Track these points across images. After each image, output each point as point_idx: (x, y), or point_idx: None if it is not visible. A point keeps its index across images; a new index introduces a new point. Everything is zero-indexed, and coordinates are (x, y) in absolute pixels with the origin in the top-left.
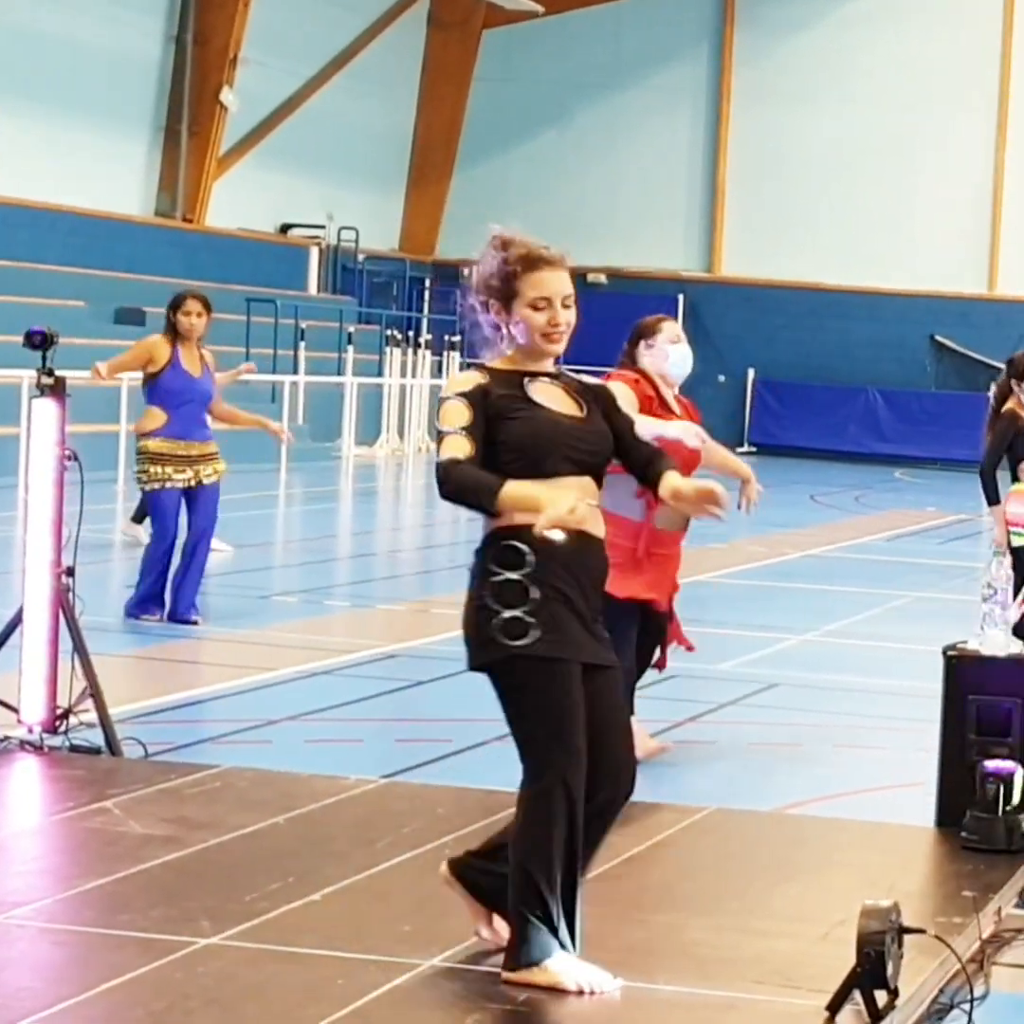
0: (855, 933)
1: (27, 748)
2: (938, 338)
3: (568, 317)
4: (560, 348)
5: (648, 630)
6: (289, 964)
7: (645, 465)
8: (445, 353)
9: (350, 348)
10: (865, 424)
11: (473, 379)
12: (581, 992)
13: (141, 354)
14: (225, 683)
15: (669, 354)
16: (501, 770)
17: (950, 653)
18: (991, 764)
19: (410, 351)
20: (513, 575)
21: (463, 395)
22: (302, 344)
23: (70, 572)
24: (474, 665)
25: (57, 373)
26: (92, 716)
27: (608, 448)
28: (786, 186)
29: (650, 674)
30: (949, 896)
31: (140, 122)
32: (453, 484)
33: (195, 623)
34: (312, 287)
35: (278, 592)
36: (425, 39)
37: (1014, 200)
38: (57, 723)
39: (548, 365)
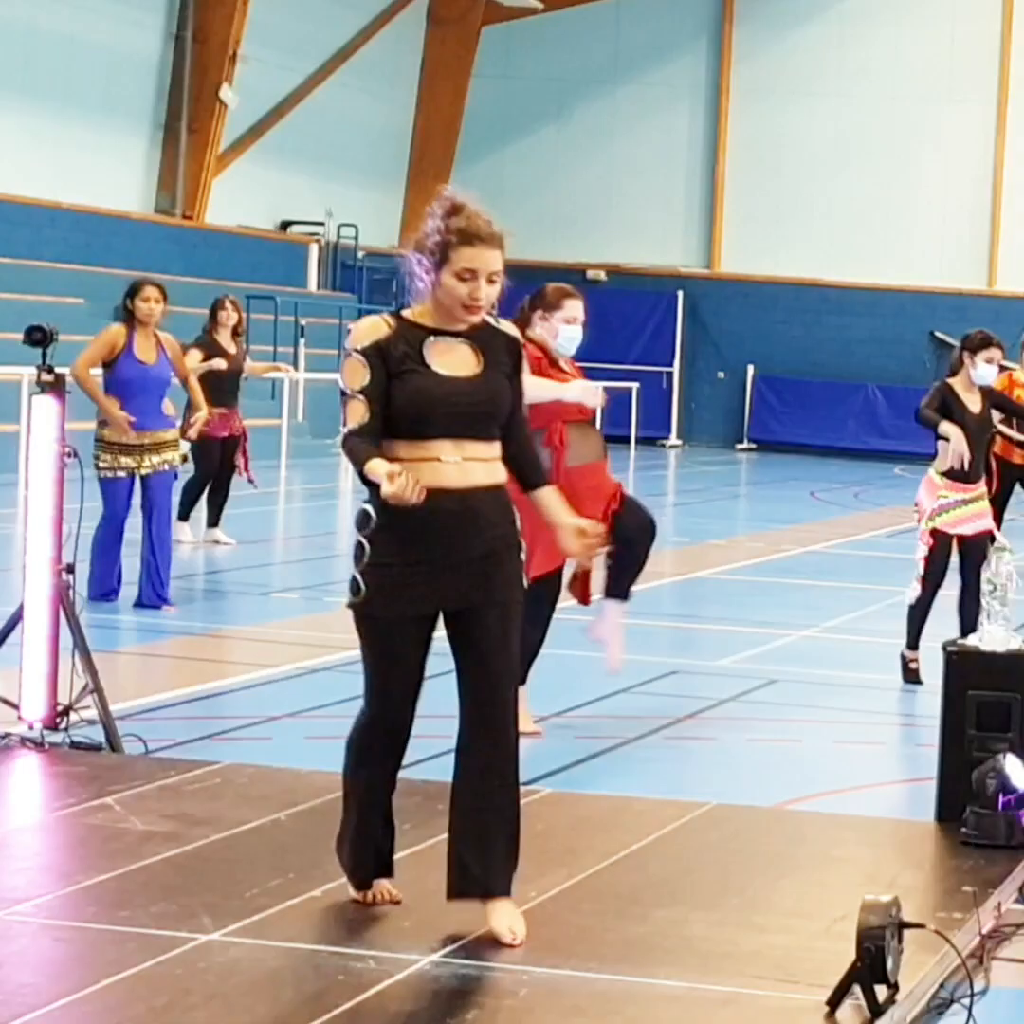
0: (855, 928)
1: (28, 745)
2: (937, 334)
3: (490, 292)
4: (476, 318)
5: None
6: (290, 960)
7: (526, 463)
8: None
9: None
10: (864, 420)
11: (374, 332)
12: (364, 902)
13: (105, 343)
14: (226, 679)
15: (559, 332)
16: None
17: (950, 649)
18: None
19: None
20: (360, 537)
21: (361, 352)
22: (302, 341)
23: (70, 569)
24: (515, 599)
25: (57, 370)
26: (93, 713)
27: (500, 404)
28: (785, 182)
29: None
30: (949, 891)
31: (140, 119)
32: (347, 456)
33: (168, 608)
34: (312, 284)
35: (279, 589)
36: (424, 35)
37: (1013, 196)
38: (58, 720)
39: (460, 326)
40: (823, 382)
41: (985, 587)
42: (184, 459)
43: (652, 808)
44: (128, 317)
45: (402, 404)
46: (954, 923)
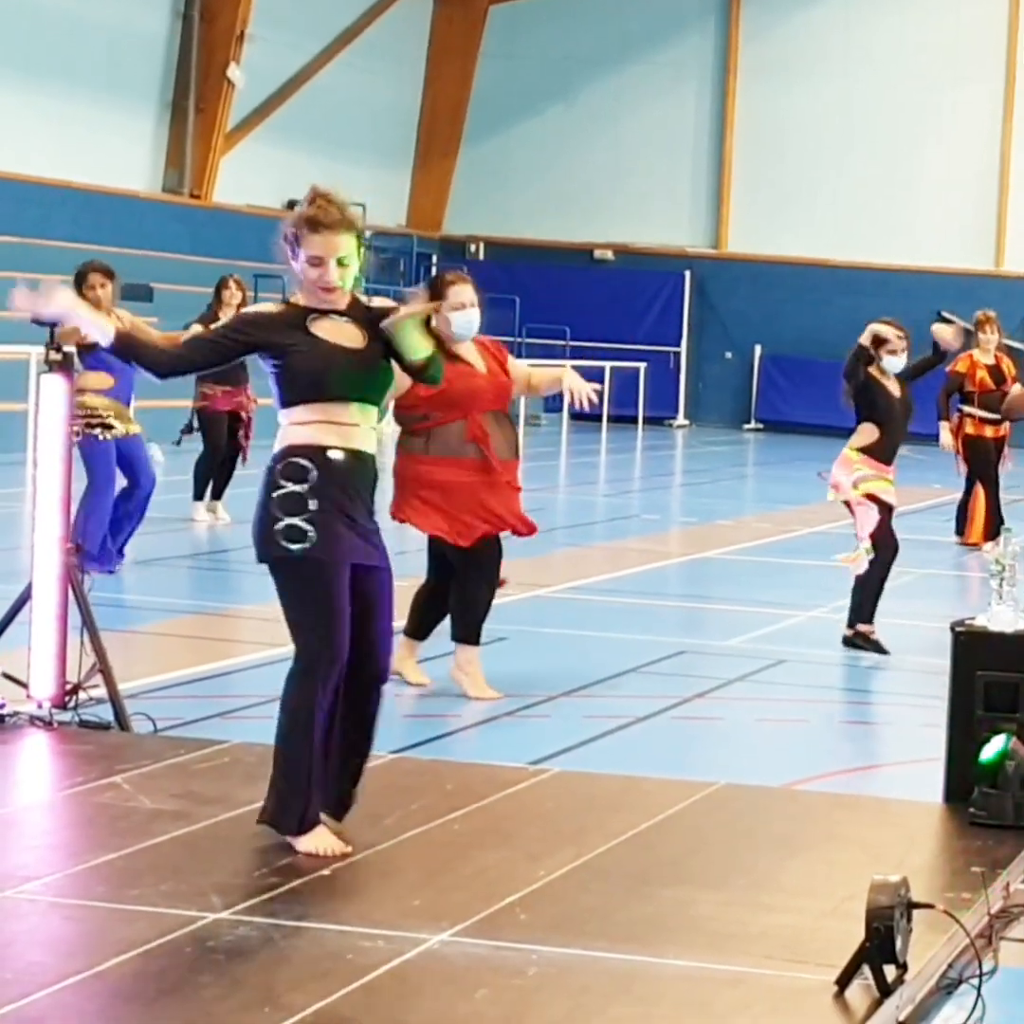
0: (864, 908)
1: (36, 723)
2: (945, 314)
3: (341, 274)
4: (334, 297)
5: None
6: (298, 939)
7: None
8: None
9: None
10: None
11: (267, 307)
12: (315, 855)
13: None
14: (234, 659)
15: (452, 320)
16: (509, 746)
17: (958, 629)
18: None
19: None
20: (297, 488)
21: (243, 316)
22: None
23: (79, 548)
24: (259, 560)
25: (65, 349)
26: (101, 691)
27: (382, 377)
28: (793, 162)
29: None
30: (958, 872)
31: (147, 98)
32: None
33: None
34: None
35: None
36: (431, 15)
37: (1021, 176)
38: (66, 699)
39: (338, 305)
40: (830, 362)
41: (993, 568)
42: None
43: (660, 788)
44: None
45: (303, 373)
46: (963, 903)
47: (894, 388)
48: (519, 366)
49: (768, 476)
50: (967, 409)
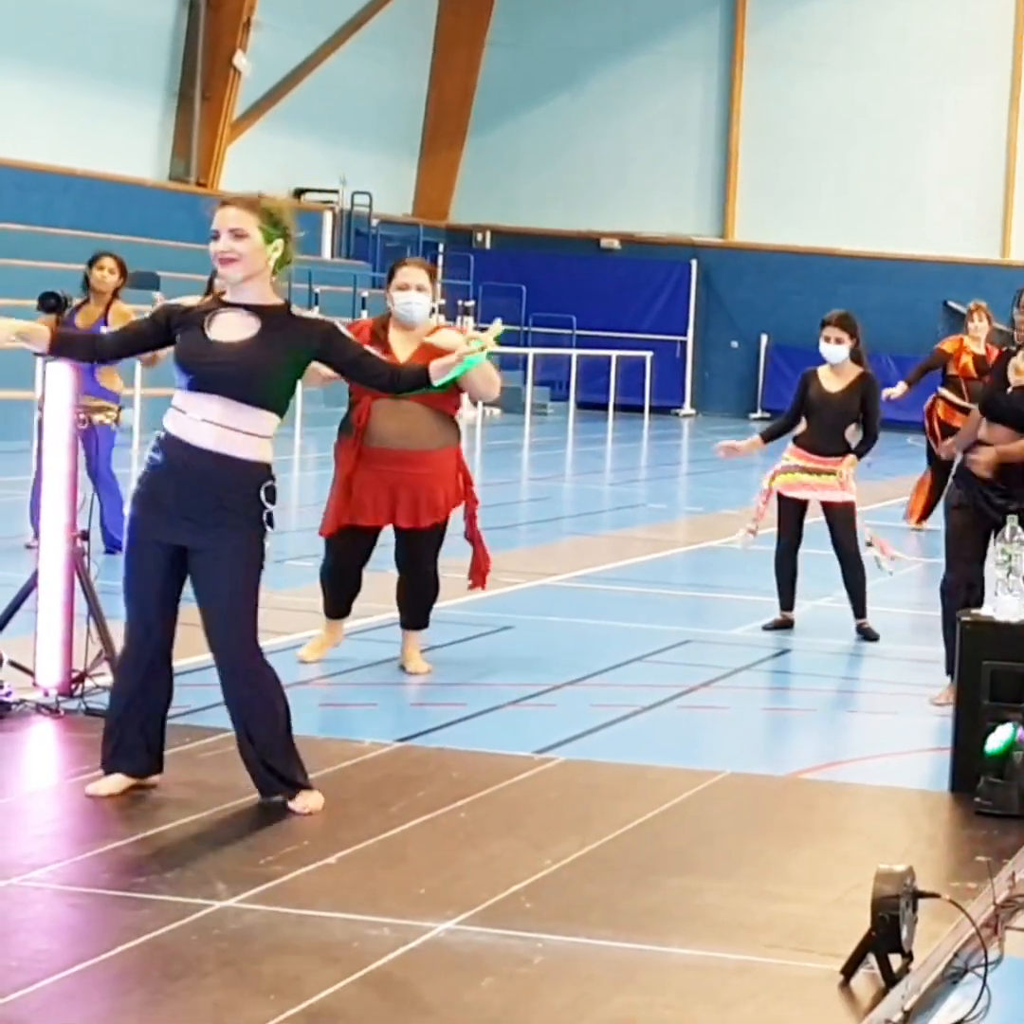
0: (869, 897)
1: (43, 711)
2: (951, 304)
3: (232, 246)
4: (230, 272)
5: (402, 547)
6: (304, 927)
7: (394, 376)
8: (458, 318)
9: (364, 313)
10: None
11: (188, 300)
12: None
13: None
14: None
15: (394, 300)
16: (516, 734)
17: (964, 619)
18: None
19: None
20: (274, 484)
21: (166, 304)
22: (316, 309)
23: (85, 536)
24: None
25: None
26: (107, 679)
27: (257, 375)
28: (799, 151)
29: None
30: (963, 861)
31: (153, 86)
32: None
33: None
34: (326, 252)
35: (292, 556)
36: (438, 4)
37: None
38: (73, 686)
39: (252, 297)
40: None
41: (999, 558)
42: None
43: (666, 777)
44: (86, 285)
45: (177, 359)
46: (968, 892)
47: (834, 383)
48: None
49: (774, 466)
50: (943, 392)
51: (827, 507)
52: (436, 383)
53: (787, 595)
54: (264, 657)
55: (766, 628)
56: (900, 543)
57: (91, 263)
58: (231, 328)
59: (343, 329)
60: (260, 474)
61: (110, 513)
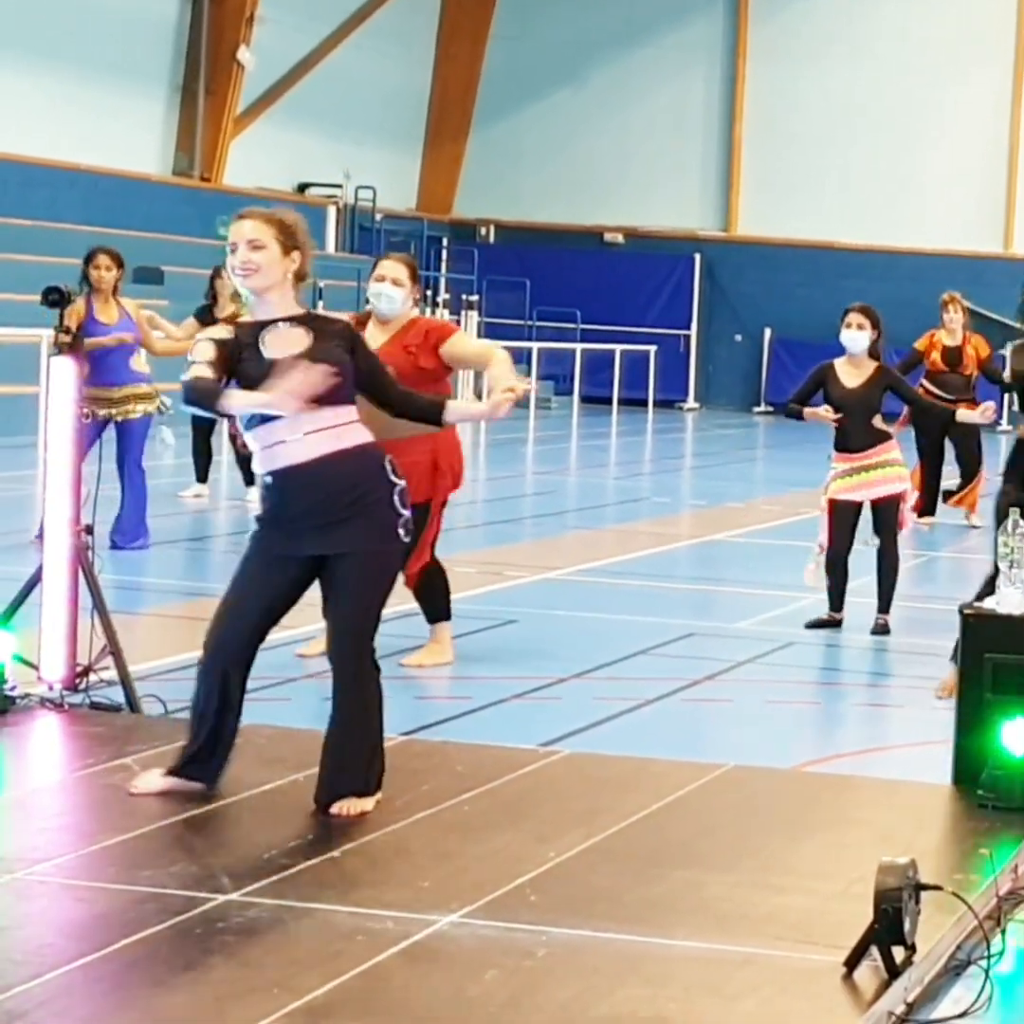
0: (873, 890)
1: (47, 705)
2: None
3: (250, 256)
4: (251, 282)
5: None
6: (308, 920)
7: (403, 401)
8: (463, 312)
9: (367, 307)
10: None
11: (224, 331)
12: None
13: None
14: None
15: (369, 290)
16: (520, 727)
17: (967, 612)
18: None
19: (427, 310)
20: (402, 483)
21: (213, 339)
22: (320, 303)
23: (89, 530)
24: (370, 550)
25: (74, 331)
26: (112, 673)
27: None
28: (802, 145)
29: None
30: (966, 853)
31: (157, 81)
32: (192, 392)
33: (144, 547)
34: (330, 246)
35: None
36: None
37: None
38: (77, 680)
39: (278, 309)
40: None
41: (1002, 551)
42: (159, 409)
43: (670, 769)
44: (85, 284)
45: (247, 385)
46: (971, 885)
47: (853, 378)
48: (462, 347)
49: (778, 459)
50: (925, 383)
51: (876, 502)
52: (445, 424)
53: (837, 597)
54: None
55: (810, 626)
56: (974, 548)
57: (87, 261)
58: (284, 343)
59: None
60: (379, 452)
61: (132, 510)
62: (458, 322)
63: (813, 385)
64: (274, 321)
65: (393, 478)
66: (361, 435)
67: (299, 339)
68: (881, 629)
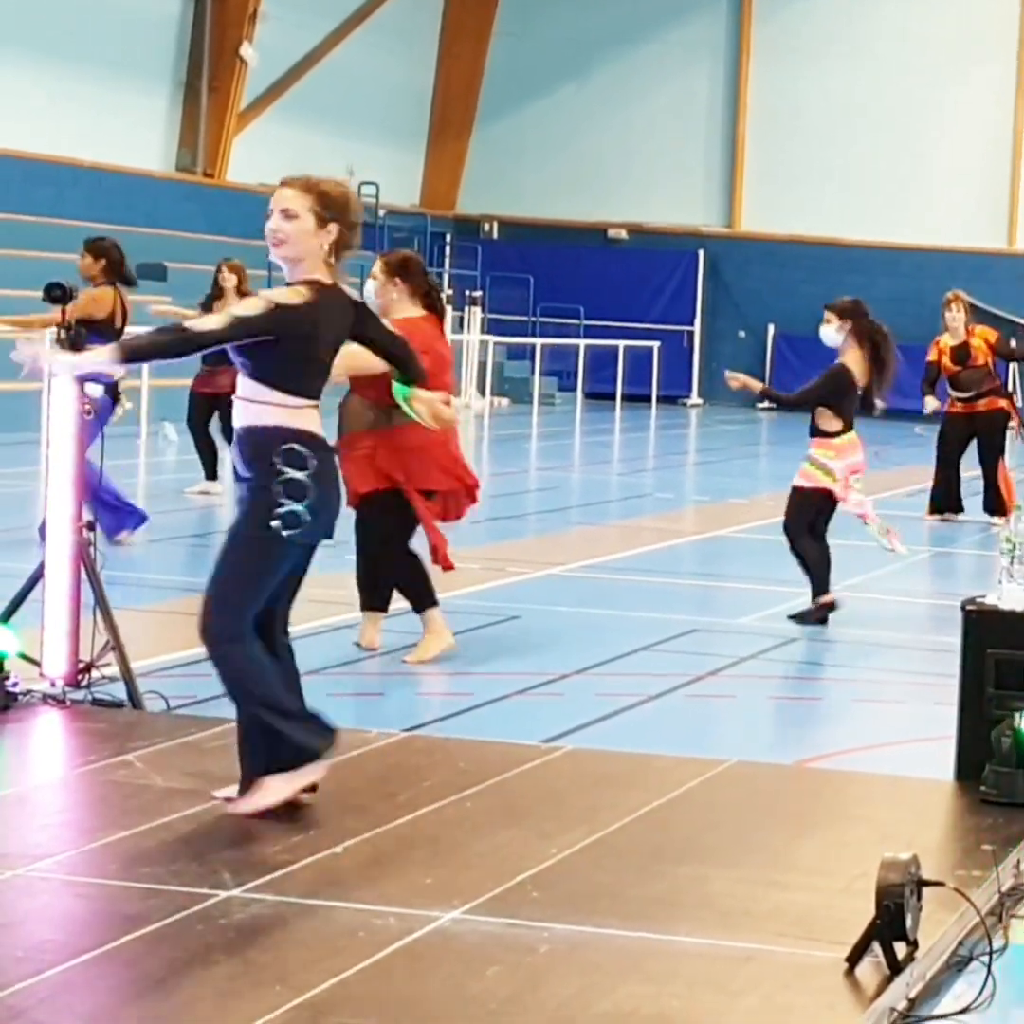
0: (875, 885)
1: (49, 702)
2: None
3: (281, 225)
4: (278, 251)
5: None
6: (310, 916)
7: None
8: (466, 308)
9: None
10: None
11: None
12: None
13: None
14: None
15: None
16: (523, 723)
17: (969, 608)
18: None
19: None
20: (299, 476)
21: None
22: None
23: (91, 526)
24: (238, 532)
25: (76, 327)
26: (114, 670)
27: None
28: (806, 141)
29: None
30: (968, 849)
31: (160, 77)
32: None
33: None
34: None
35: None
36: None
37: None
38: (79, 677)
39: (315, 275)
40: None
41: (1004, 546)
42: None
43: (673, 765)
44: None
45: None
46: (973, 881)
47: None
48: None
49: (781, 455)
50: (950, 391)
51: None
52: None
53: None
54: None
55: (795, 617)
56: (914, 532)
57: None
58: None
59: None
60: (274, 438)
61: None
62: (462, 319)
63: (834, 384)
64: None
65: (280, 467)
66: (268, 418)
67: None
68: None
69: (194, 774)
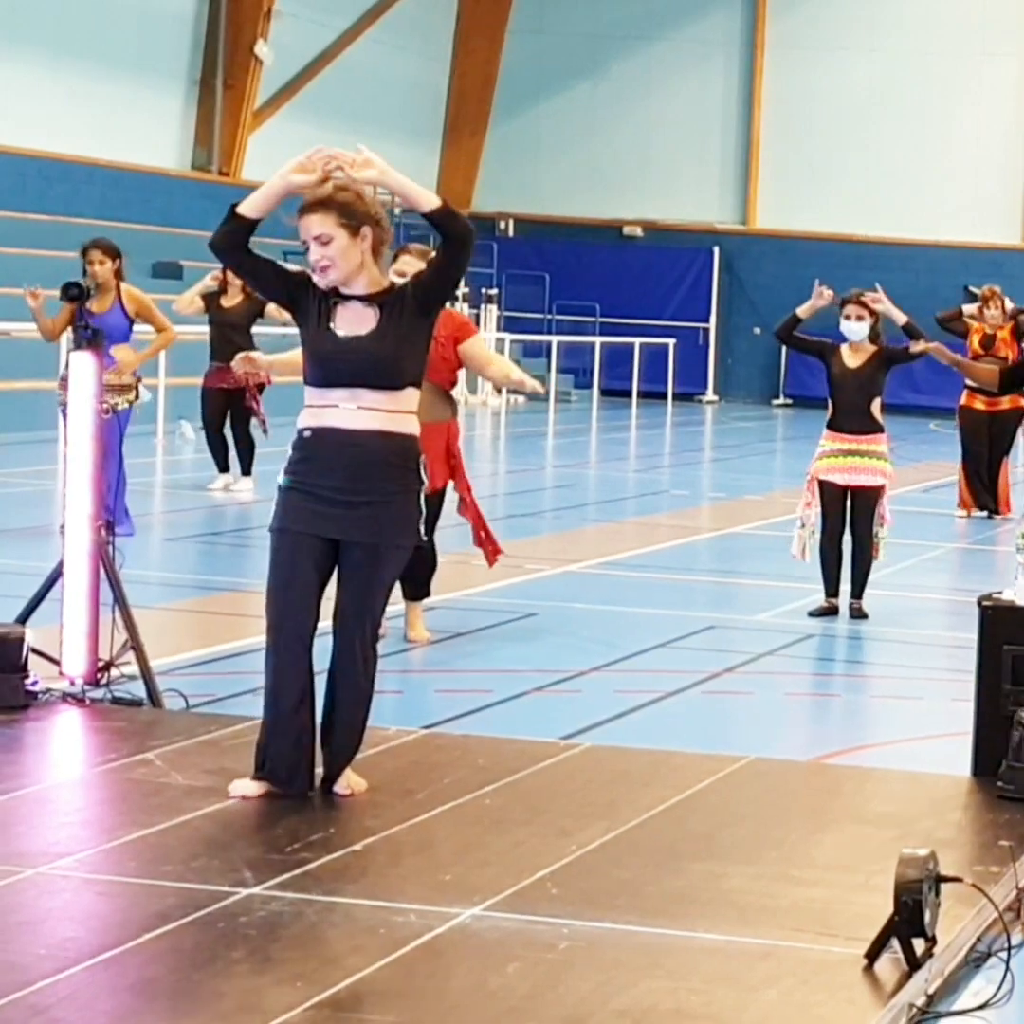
0: (892, 882)
1: (69, 700)
2: (972, 288)
3: (323, 252)
4: (328, 277)
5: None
6: (330, 914)
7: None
8: (482, 306)
9: None
10: (899, 375)
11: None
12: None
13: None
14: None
15: None
16: (541, 720)
17: (985, 604)
18: None
19: (447, 304)
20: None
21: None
22: None
23: (110, 525)
24: (391, 542)
25: (94, 326)
26: (133, 668)
27: (391, 364)
28: (821, 137)
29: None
30: (986, 845)
31: (175, 76)
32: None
33: (129, 534)
34: None
35: None
36: None
37: None
38: (99, 675)
39: (360, 288)
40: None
41: (1019, 542)
42: (130, 403)
43: (690, 762)
44: (86, 273)
45: (307, 353)
46: (991, 876)
47: (853, 358)
48: (478, 349)
49: (797, 451)
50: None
51: (855, 489)
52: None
53: (833, 582)
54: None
55: (812, 614)
56: (994, 539)
57: (83, 255)
58: (355, 322)
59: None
60: (418, 448)
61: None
62: (478, 316)
63: (816, 345)
64: (349, 297)
65: (423, 476)
66: (410, 426)
67: (367, 319)
68: (860, 613)
69: (214, 772)
